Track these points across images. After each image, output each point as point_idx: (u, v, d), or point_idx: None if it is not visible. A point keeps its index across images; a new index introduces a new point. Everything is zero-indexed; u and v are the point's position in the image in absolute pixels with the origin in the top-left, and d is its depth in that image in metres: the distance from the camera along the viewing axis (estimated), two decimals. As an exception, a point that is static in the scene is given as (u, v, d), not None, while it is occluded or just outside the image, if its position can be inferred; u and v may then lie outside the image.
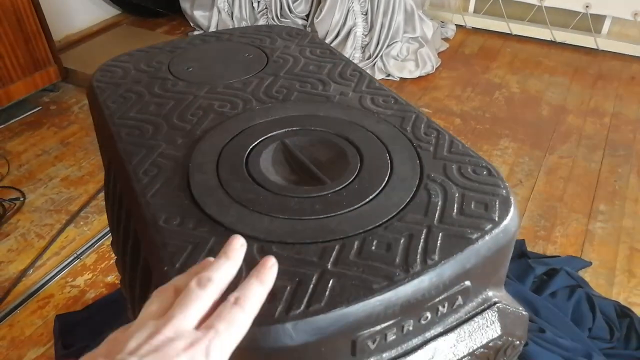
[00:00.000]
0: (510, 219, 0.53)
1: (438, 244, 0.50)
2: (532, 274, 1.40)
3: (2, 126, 2.07)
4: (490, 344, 0.53)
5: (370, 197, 0.55)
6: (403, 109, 0.69)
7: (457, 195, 0.56)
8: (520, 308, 0.59)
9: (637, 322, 1.29)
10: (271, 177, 0.58)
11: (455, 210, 0.54)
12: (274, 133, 0.64)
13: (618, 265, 1.49)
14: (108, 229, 1.61)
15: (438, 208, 0.54)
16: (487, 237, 0.51)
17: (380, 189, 0.56)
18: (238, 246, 0.43)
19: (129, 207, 0.59)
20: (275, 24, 2.53)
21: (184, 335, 0.36)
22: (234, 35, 0.89)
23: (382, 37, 2.30)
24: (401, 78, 2.32)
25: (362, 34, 2.33)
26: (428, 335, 0.51)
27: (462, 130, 2.03)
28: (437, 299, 0.48)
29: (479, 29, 2.72)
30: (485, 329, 0.53)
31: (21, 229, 1.63)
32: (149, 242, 0.52)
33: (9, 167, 1.85)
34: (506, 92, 2.27)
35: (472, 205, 0.54)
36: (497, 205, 0.54)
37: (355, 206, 0.54)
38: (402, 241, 0.50)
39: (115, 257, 0.86)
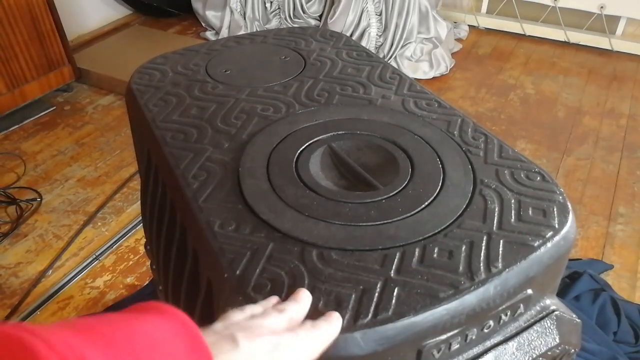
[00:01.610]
0: (570, 225, 0.53)
1: (500, 252, 0.49)
2: (554, 276, 1.40)
3: (17, 126, 2.06)
4: (549, 353, 0.52)
5: (426, 203, 0.55)
6: (447, 112, 0.69)
7: (512, 201, 0.55)
8: (574, 315, 0.58)
9: (662, 326, 1.28)
10: (322, 182, 0.57)
11: (513, 217, 0.53)
12: (320, 137, 0.64)
13: (640, 268, 1.49)
14: (126, 230, 1.61)
15: (496, 214, 0.53)
16: (549, 245, 0.50)
17: (435, 194, 0.56)
18: (305, 296, 0.45)
19: (179, 212, 0.58)
20: (289, 25, 2.52)
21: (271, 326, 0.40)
22: (269, 37, 0.88)
23: (397, 37, 2.29)
24: (415, 79, 2.31)
25: (376, 35, 2.32)
26: (489, 343, 0.50)
27: (478, 131, 2.02)
28: (501, 308, 0.48)
29: (492, 29, 2.71)
30: (544, 337, 0.52)
31: (39, 229, 1.63)
32: (205, 249, 0.51)
33: (25, 168, 1.84)
34: (521, 93, 2.26)
35: (530, 212, 0.54)
36: (555, 212, 0.54)
37: (412, 212, 0.53)
38: (463, 248, 0.50)
39: (150, 262, 0.85)
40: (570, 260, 1.52)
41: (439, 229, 0.51)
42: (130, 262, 1.52)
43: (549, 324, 0.53)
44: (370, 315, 0.44)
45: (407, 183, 0.57)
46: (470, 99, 2.22)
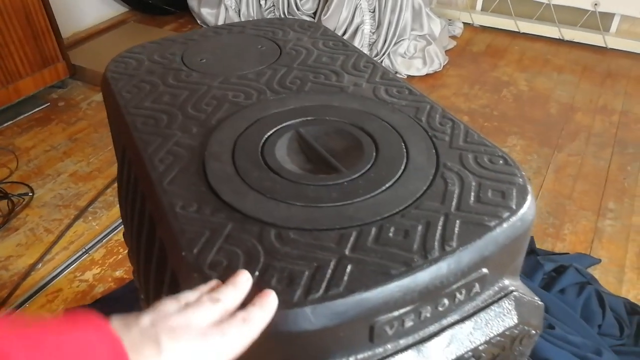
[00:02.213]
0: (528, 207, 0.53)
1: (456, 231, 0.50)
2: (541, 270, 1.40)
3: (11, 122, 2.07)
4: (507, 333, 0.53)
5: (387, 185, 0.55)
6: (417, 99, 0.69)
7: (473, 183, 0.55)
8: (536, 298, 0.58)
9: (647, 319, 1.28)
10: (287, 166, 0.58)
11: (472, 198, 0.54)
12: (289, 123, 0.64)
13: (627, 263, 1.49)
14: (117, 224, 1.62)
15: (455, 196, 0.54)
16: (505, 225, 0.51)
17: (396, 177, 0.56)
18: (244, 280, 0.45)
19: (145, 195, 0.59)
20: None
21: (198, 325, 0.40)
22: (247, 27, 0.89)
23: (390, 34, 2.30)
24: (408, 76, 2.31)
25: (370, 32, 2.33)
26: (445, 322, 0.51)
27: (470, 127, 2.02)
28: (455, 286, 0.48)
29: (487, 27, 2.71)
30: (502, 318, 0.53)
31: (30, 223, 1.64)
32: (166, 229, 0.52)
33: (17, 163, 1.85)
34: (514, 90, 2.26)
35: (489, 194, 0.54)
36: (514, 194, 0.54)
37: (372, 194, 0.54)
38: (419, 228, 0.50)
39: (128, 250, 0.86)
40: (557, 254, 1.52)
41: (397, 210, 0.52)
42: (120, 256, 1.52)
43: (507, 305, 0.53)
44: (321, 291, 0.44)
45: (370, 167, 0.58)
46: (463, 95, 2.22)
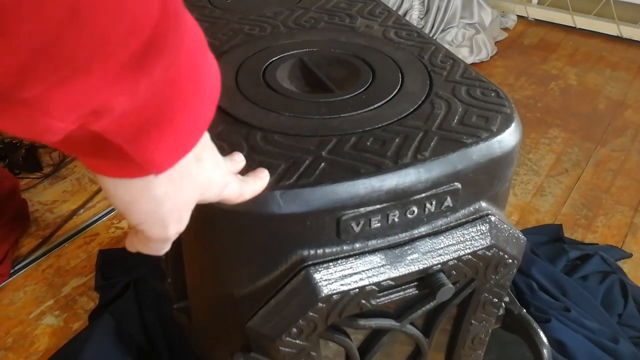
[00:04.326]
0: (510, 133, 0.54)
1: (431, 145, 0.52)
2: (565, 257, 1.37)
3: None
4: (480, 253, 0.54)
5: (375, 105, 0.58)
6: (424, 41, 0.71)
7: (460, 109, 0.57)
8: (519, 232, 0.59)
9: (673, 314, 1.23)
10: (285, 85, 0.62)
11: (455, 121, 0.55)
12: (294, 52, 0.68)
13: (661, 260, 1.43)
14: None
15: (439, 118, 0.56)
16: (481, 144, 0.52)
17: (385, 100, 0.59)
18: (239, 158, 0.48)
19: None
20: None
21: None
22: (275, -23, 0.93)
23: (438, 21, 2.29)
24: (454, 63, 2.29)
25: (418, 17, 2.33)
26: (416, 232, 0.53)
27: (510, 116, 1.99)
28: (424, 194, 0.50)
29: (542, 20, 2.64)
30: (475, 238, 0.54)
31: (77, 173, 1.75)
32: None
33: (72, 119, 1.98)
34: (562, 83, 2.20)
35: (474, 118, 0.56)
36: (498, 120, 0.55)
37: (359, 111, 0.57)
38: (397, 140, 0.52)
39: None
40: (586, 244, 1.48)
41: (379, 125, 0.54)
42: (154, 208, 1.61)
43: (481, 226, 0.54)
44: (292, 180, 0.48)
45: (362, 90, 0.60)
46: (507, 85, 2.18)
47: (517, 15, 2.66)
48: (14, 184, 1.57)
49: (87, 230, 1.55)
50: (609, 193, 1.66)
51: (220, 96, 0.59)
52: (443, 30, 2.31)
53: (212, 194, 0.40)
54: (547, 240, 1.46)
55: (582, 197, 1.65)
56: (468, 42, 2.33)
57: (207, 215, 0.48)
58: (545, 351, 0.62)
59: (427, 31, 2.32)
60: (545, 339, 0.63)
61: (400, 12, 2.36)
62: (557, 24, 2.63)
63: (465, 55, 2.31)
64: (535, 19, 2.67)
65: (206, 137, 0.38)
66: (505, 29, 2.59)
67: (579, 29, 2.58)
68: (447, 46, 2.30)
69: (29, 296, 1.34)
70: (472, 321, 0.62)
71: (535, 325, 0.63)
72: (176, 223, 0.38)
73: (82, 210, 1.62)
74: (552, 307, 1.21)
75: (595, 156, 1.81)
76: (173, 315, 0.72)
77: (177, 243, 0.63)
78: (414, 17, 2.33)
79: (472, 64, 2.32)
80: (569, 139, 1.89)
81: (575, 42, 2.50)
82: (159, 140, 0.31)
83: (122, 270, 1.40)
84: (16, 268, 1.40)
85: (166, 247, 0.40)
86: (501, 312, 0.67)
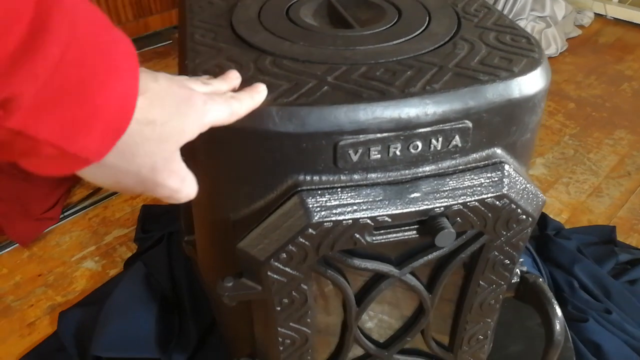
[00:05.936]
0: (533, 76, 0.50)
1: (444, 79, 0.49)
2: (614, 259, 1.28)
3: (137, 52, 2.31)
4: (488, 201, 0.51)
5: (393, 42, 0.55)
6: (462, -8, 0.68)
7: (483, 51, 0.54)
8: (539, 192, 0.55)
9: None
10: (306, 20, 0.61)
11: (475, 60, 0.52)
12: (324, -7, 0.66)
13: None
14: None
15: (458, 57, 0.53)
16: (498, 83, 0.49)
17: (405, 38, 0.56)
18: (234, 76, 0.47)
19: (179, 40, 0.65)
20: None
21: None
22: None
23: (506, 12, 2.20)
24: (519, 57, 2.20)
25: (485, 7, 2.25)
26: (419, 171, 0.50)
27: (573, 114, 1.88)
28: (430, 128, 0.48)
29: (621, 20, 2.48)
30: (485, 185, 0.51)
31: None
32: (182, 55, 0.57)
33: (134, 84, 2.06)
34: (636, 85, 2.06)
35: (496, 59, 0.52)
36: (523, 62, 0.52)
37: (376, 45, 0.55)
38: (408, 72, 0.50)
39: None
40: (639, 249, 1.37)
41: (393, 59, 0.52)
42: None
43: (492, 173, 0.51)
44: (291, 99, 0.46)
45: (384, 28, 0.58)
46: (575, 83, 2.07)
47: (595, 13, 2.51)
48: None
49: (134, 187, 1.61)
50: (673, 200, 1.53)
51: (239, 25, 0.59)
52: (510, 22, 2.21)
53: (191, 133, 0.39)
54: (597, 241, 1.37)
55: (643, 202, 1.53)
56: (537, 35, 2.22)
57: (205, 134, 0.48)
58: (557, 324, 0.57)
59: (493, 21, 2.22)
60: (559, 312, 0.58)
61: (467, 1, 2.28)
62: (638, 24, 2.46)
63: (531, 48, 2.20)
64: (614, 18, 2.51)
65: (152, 92, 0.36)
66: (580, 27, 2.45)
67: (663, 30, 2.40)
68: (513, 38, 2.21)
69: (73, 241, 1.41)
70: (481, 282, 0.59)
71: (549, 295, 0.58)
72: (174, 176, 0.38)
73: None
74: (591, 307, 1.13)
75: (663, 161, 1.68)
76: (183, 248, 0.73)
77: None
78: (480, 7, 2.24)
79: (539, 58, 2.20)
80: (636, 141, 1.76)
81: (657, 44, 2.33)
82: (84, 124, 0.30)
83: (162, 224, 1.44)
84: (66, 214, 1.47)
85: (187, 194, 0.40)
86: (515, 279, 0.62)
